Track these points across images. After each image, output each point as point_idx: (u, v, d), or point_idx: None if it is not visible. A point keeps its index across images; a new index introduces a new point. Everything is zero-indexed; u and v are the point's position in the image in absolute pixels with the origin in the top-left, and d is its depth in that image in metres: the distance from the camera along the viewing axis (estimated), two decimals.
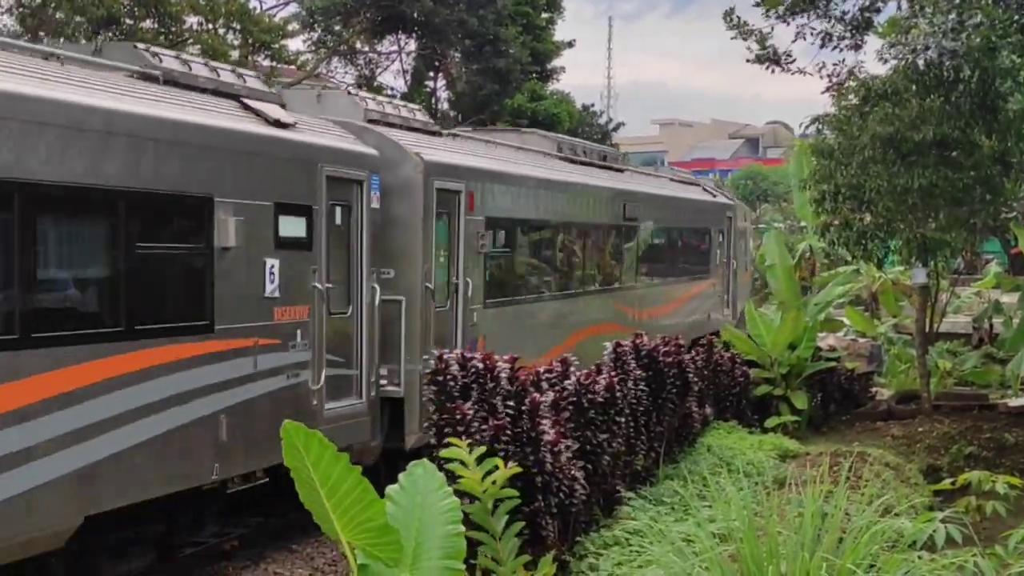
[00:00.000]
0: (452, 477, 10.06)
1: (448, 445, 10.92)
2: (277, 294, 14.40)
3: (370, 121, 17.85)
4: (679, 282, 29.97)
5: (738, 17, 21.66)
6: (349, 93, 19.11)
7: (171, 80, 14.00)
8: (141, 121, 12.47)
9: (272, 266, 14.38)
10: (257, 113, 14.82)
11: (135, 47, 14.69)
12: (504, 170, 20.46)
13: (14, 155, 10.84)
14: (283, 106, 15.88)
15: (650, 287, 27.75)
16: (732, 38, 21.94)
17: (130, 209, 12.30)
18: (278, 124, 14.94)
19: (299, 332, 14.65)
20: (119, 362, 12.07)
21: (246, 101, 14.96)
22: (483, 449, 10.01)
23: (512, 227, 20.88)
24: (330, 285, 15.40)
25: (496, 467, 9.96)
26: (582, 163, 24.88)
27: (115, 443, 11.94)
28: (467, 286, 18.12)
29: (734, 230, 34.74)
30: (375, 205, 16.54)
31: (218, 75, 15.03)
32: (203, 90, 14.47)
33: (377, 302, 16.14)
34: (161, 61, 14.12)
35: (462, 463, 9.78)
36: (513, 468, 10.20)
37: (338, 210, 16.01)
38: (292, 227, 14.86)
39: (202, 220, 13.35)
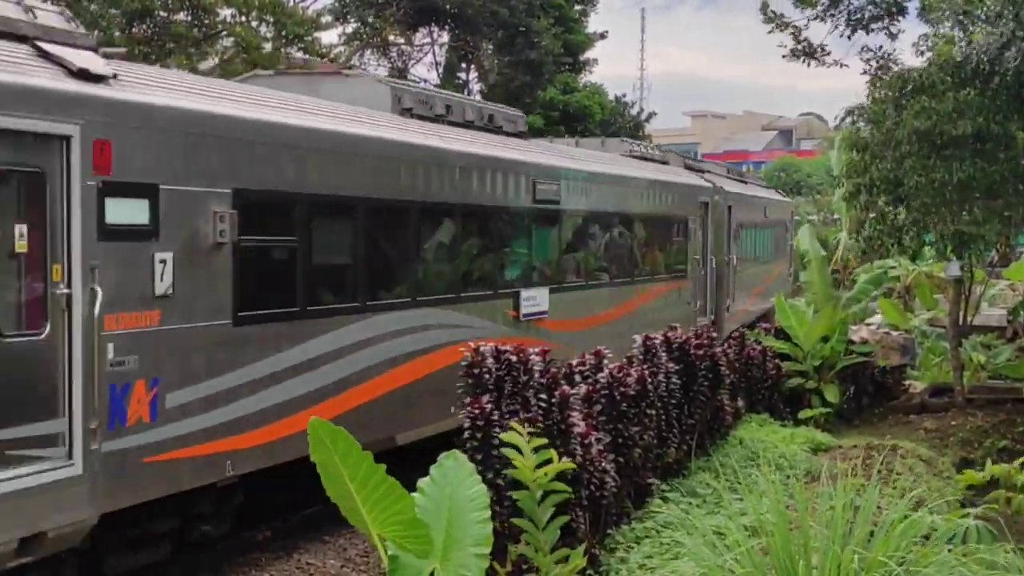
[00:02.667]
0: (483, 467, 10.16)
1: (472, 437, 11.05)
2: None
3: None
4: (629, 284, 24.90)
5: (774, 12, 21.73)
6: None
7: None
8: None
9: None
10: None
11: None
12: None
13: None
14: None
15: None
16: (769, 32, 22.00)
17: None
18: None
19: None
20: None
21: None
22: (543, 441, 10.11)
23: None
24: None
25: (550, 460, 10.04)
26: (451, 123, 19.39)
27: None
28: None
29: (712, 218, 30.44)
30: None
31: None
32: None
33: None
34: None
35: (518, 450, 9.86)
36: (567, 463, 10.27)
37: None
38: None
39: None
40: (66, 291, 10.80)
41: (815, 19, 21.66)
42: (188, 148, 12.30)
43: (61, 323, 10.82)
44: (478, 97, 51.11)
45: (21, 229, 10.52)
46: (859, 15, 21.59)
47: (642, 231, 25.68)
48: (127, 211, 11.52)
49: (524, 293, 19.63)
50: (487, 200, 18.69)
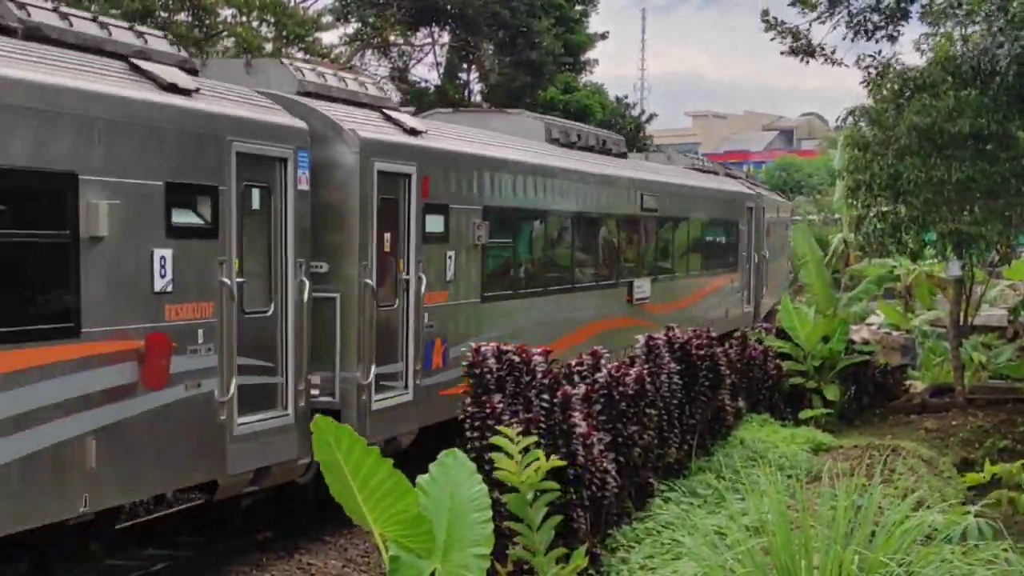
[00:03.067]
0: (490, 467, 10.13)
1: (481, 437, 11.01)
2: None
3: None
4: (702, 276, 30.54)
5: (775, 18, 21.78)
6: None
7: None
8: None
9: None
10: None
11: None
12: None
13: None
14: None
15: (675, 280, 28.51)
16: (772, 39, 22.06)
17: None
18: None
19: None
20: None
21: None
22: (532, 439, 10.07)
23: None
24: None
25: (537, 459, 10.00)
26: (581, 148, 24.78)
27: None
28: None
29: (755, 220, 35.26)
30: None
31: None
32: None
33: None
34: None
35: (505, 452, 9.82)
36: (555, 461, 10.23)
37: None
38: None
39: None
40: (406, 277, 16.54)
41: (816, 20, 21.68)
42: (461, 178, 18.15)
43: (402, 298, 16.51)
44: (478, 98, 51.22)
45: (386, 236, 16.08)
46: (859, 18, 21.58)
47: (710, 231, 31.46)
48: (435, 223, 17.24)
49: (635, 282, 25.26)
50: (615, 209, 24.51)
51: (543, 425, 11.40)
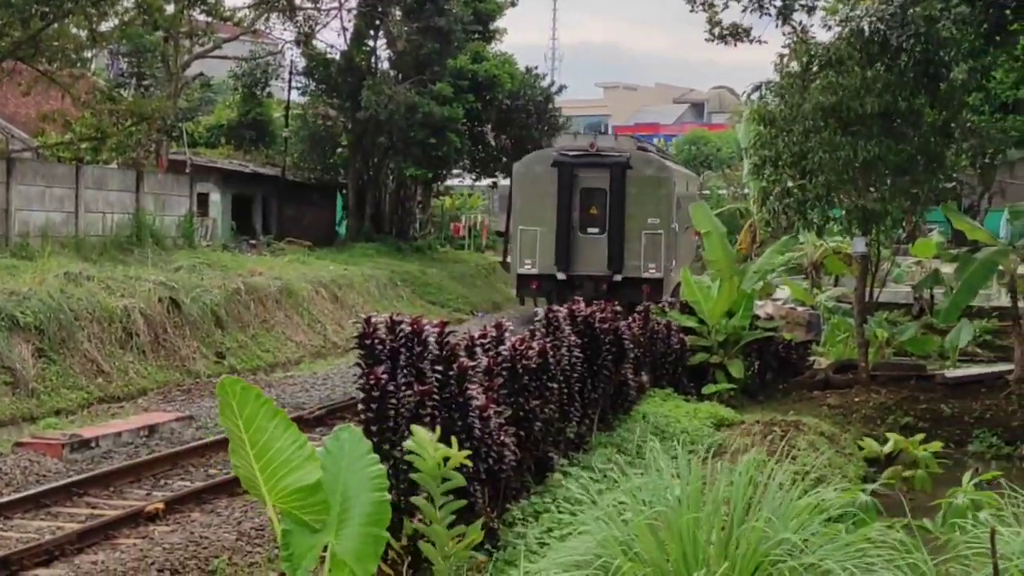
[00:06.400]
0: (378, 439, 9.90)
1: (372, 410, 10.82)
2: None
3: None
4: None
5: None
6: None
7: None
8: None
9: None
10: None
11: None
12: None
13: None
14: None
15: None
16: (691, 11, 22.13)
17: None
18: None
19: None
20: None
21: None
22: (461, 452, 9.90)
23: None
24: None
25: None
26: None
27: None
28: None
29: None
30: None
31: None
32: None
33: None
34: None
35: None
36: (465, 453, 10.05)
37: None
38: None
39: None
40: None
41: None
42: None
43: None
44: (386, 64, 50.77)
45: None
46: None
47: None
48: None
49: None
50: None
51: (437, 397, 11.19)
